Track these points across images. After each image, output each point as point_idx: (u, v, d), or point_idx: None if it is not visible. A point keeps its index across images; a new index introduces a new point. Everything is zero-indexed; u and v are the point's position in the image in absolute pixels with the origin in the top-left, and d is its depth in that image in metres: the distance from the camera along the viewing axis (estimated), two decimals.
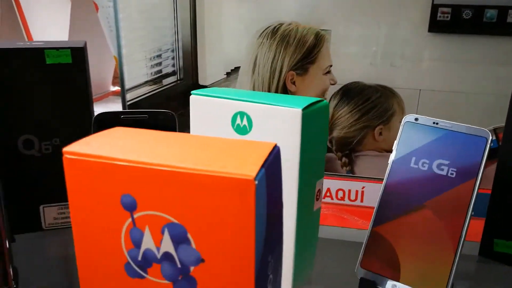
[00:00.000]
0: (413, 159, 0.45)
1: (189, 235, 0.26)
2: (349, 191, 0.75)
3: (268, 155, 0.26)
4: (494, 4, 0.66)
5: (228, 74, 0.77)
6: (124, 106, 0.80)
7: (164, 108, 0.74)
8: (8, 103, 0.49)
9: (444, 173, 0.43)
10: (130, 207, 0.26)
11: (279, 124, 0.38)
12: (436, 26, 0.68)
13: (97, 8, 0.84)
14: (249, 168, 0.24)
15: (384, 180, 0.46)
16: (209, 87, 0.78)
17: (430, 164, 0.44)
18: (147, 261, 0.27)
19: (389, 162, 0.46)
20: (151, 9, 0.77)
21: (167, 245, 0.26)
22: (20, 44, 0.49)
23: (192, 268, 0.26)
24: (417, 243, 0.43)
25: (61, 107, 0.50)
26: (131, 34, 0.76)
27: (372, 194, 0.76)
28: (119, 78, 0.80)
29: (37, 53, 0.48)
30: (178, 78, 0.79)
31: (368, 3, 0.69)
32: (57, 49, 0.48)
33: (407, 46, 0.69)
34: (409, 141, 0.46)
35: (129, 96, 0.79)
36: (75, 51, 0.49)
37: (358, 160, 0.76)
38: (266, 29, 0.72)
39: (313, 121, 0.39)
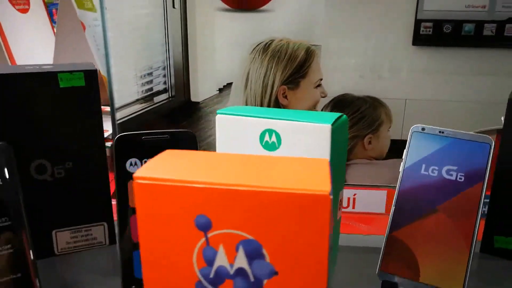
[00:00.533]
0: (423, 166, 0.48)
1: (264, 250, 0.27)
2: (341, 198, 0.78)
3: (330, 171, 0.28)
4: (471, 18, 0.71)
5: (220, 90, 0.79)
6: (114, 125, 0.80)
7: (156, 126, 0.75)
8: (21, 128, 0.48)
9: (453, 178, 0.47)
10: (205, 227, 0.27)
11: (309, 140, 0.40)
12: (419, 39, 0.72)
13: (84, 28, 0.84)
14: (322, 184, 0.26)
15: (397, 187, 0.48)
16: (201, 103, 0.79)
17: (439, 170, 0.47)
18: (219, 277, 0.28)
19: (400, 170, 0.49)
20: (141, 27, 0.77)
21: (241, 261, 0.27)
22: (30, 68, 0.48)
23: (265, 282, 0.28)
24: (433, 244, 0.46)
25: (74, 130, 0.50)
26: (120, 52, 0.76)
27: (363, 200, 0.79)
28: (108, 97, 0.79)
29: (51, 77, 0.48)
30: (170, 95, 0.80)
31: (356, 19, 0.72)
32: (71, 72, 0.48)
33: (394, 59, 0.73)
34: (417, 150, 0.49)
35: (119, 115, 0.79)
36: (88, 74, 0.49)
37: (349, 169, 0.79)
38: (258, 45, 0.74)
39: (338, 136, 0.41)
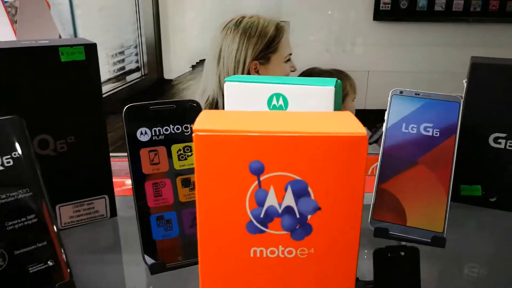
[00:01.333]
0: (403, 125, 0.54)
1: (309, 189, 0.31)
2: None
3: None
4: None
5: (193, 67, 0.81)
6: None
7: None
8: (23, 103, 0.48)
9: (430, 134, 0.53)
10: (258, 171, 0.31)
11: (314, 101, 0.44)
12: (379, 15, 0.78)
13: (49, 6, 0.82)
14: (358, 127, 0.30)
15: (381, 145, 0.54)
16: (174, 81, 0.81)
17: (418, 127, 0.53)
18: (268, 217, 0.32)
19: (383, 129, 0.54)
20: (111, 6, 0.77)
21: (289, 200, 0.31)
22: (28, 43, 0.49)
23: (309, 217, 0.32)
24: (416, 192, 0.52)
25: (75, 104, 0.51)
26: (89, 31, 0.76)
27: None
28: None
29: (52, 51, 0.48)
30: (143, 74, 0.81)
31: None
32: (71, 46, 0.49)
33: (356, 34, 0.78)
34: (397, 111, 0.54)
35: None
36: (88, 48, 0.50)
37: None
38: (229, 22, 0.77)
39: (338, 97, 0.45)
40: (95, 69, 0.51)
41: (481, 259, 0.52)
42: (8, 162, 0.41)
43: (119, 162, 0.77)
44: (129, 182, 0.68)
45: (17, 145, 0.42)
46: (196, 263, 0.47)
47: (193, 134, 0.30)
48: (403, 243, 0.51)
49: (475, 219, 0.60)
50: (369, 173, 0.71)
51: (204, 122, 0.32)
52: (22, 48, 0.47)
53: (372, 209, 0.53)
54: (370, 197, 0.53)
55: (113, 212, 0.57)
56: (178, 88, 0.82)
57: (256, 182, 0.31)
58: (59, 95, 0.50)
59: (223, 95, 0.80)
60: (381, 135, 0.56)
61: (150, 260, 0.46)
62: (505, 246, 0.55)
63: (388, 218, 0.52)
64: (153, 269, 0.46)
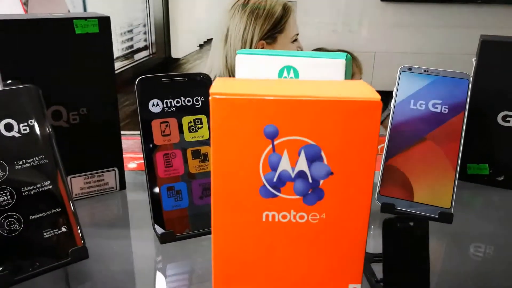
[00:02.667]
0: (412, 101, 0.54)
1: (322, 153, 0.31)
2: None
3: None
4: None
5: (200, 46, 0.81)
6: None
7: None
8: (37, 74, 0.49)
9: (438, 110, 0.53)
10: (272, 135, 0.31)
11: (324, 74, 0.44)
12: None
13: None
14: (372, 93, 0.31)
15: (389, 121, 0.54)
16: (182, 59, 0.81)
17: (426, 104, 0.54)
18: (281, 181, 0.32)
19: (391, 106, 0.55)
20: None
21: (302, 164, 0.32)
22: (46, 15, 0.49)
23: (321, 181, 0.32)
24: (424, 168, 0.52)
25: (88, 77, 0.51)
26: (98, 10, 0.75)
27: None
28: None
29: (67, 24, 0.48)
30: (151, 53, 0.81)
31: None
32: (86, 19, 0.49)
33: (364, 14, 0.78)
34: (406, 87, 0.55)
35: None
36: (102, 20, 0.50)
37: None
38: (237, 2, 0.77)
39: (348, 71, 0.46)
40: (108, 42, 0.51)
41: (487, 238, 0.52)
42: (25, 130, 0.42)
43: (125, 140, 0.78)
44: (137, 157, 0.69)
45: (33, 114, 0.43)
46: (205, 233, 0.48)
47: (210, 97, 0.31)
48: None
49: (482, 197, 0.60)
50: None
51: (221, 86, 0.32)
52: (38, 20, 0.47)
53: (379, 185, 0.53)
54: (377, 175, 0.54)
55: (123, 185, 0.58)
56: (185, 67, 0.82)
57: (270, 146, 0.31)
58: (73, 67, 0.50)
59: (229, 74, 0.80)
60: (387, 116, 0.56)
61: (160, 230, 0.47)
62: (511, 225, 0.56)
63: (395, 193, 0.53)
64: (163, 239, 0.47)
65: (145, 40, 0.81)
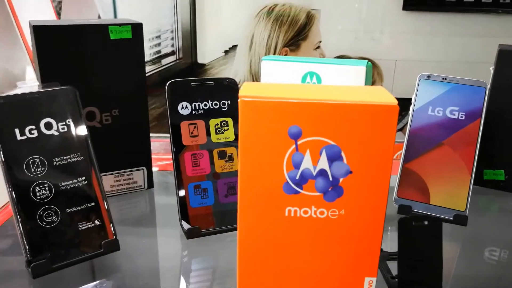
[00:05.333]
0: (430, 107, 0.56)
1: (342, 153, 0.34)
2: None
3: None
4: None
5: (226, 52, 0.84)
6: None
7: (165, 86, 0.80)
8: (74, 77, 0.52)
9: (455, 117, 0.55)
10: (296, 135, 0.33)
11: (346, 80, 0.47)
12: (409, 4, 0.80)
13: None
14: (390, 98, 0.33)
15: (408, 127, 0.56)
16: (208, 65, 0.84)
17: (444, 110, 0.55)
18: (303, 178, 0.35)
19: (410, 112, 0.57)
20: None
21: (323, 163, 0.34)
22: (82, 21, 0.52)
23: (341, 180, 0.34)
24: (440, 172, 0.54)
25: (121, 79, 0.55)
26: (128, 16, 0.79)
27: None
28: None
29: (102, 29, 0.52)
30: (178, 58, 0.84)
31: None
32: (120, 25, 0.52)
33: (385, 23, 0.80)
34: (424, 94, 0.56)
35: None
36: (135, 27, 0.53)
37: None
38: (262, 9, 0.80)
39: (368, 77, 0.48)
40: (140, 47, 0.54)
41: (502, 242, 0.54)
42: (63, 128, 0.45)
43: (152, 143, 0.81)
44: (162, 158, 0.72)
45: (71, 114, 0.46)
46: (229, 230, 0.51)
47: (239, 100, 0.33)
48: None
49: (497, 203, 0.61)
50: (394, 157, 0.73)
51: (249, 90, 0.35)
52: (75, 26, 0.51)
53: (397, 187, 0.55)
54: (394, 179, 0.56)
55: (150, 183, 0.61)
56: (210, 72, 0.85)
57: (294, 146, 0.34)
58: (107, 70, 0.53)
59: (253, 79, 0.83)
60: (406, 123, 0.58)
61: (186, 226, 0.50)
62: None
63: (412, 196, 0.54)
64: (189, 234, 0.50)
65: (172, 45, 0.84)
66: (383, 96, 0.34)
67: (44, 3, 0.90)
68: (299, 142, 0.34)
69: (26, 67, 1.02)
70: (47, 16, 0.90)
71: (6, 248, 0.50)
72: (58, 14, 0.95)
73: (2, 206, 0.58)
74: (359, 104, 0.33)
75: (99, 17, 0.86)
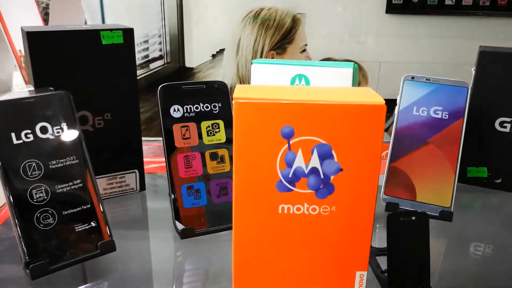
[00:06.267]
0: (415, 108, 0.58)
1: (333, 152, 0.35)
2: None
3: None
4: None
5: (213, 56, 0.85)
6: None
7: (153, 90, 0.81)
8: (67, 81, 0.53)
9: (439, 116, 0.57)
10: (288, 135, 0.35)
11: (333, 82, 0.48)
12: (391, 8, 0.82)
13: None
14: (377, 98, 0.35)
15: (393, 126, 0.58)
16: (195, 69, 0.85)
17: (428, 110, 0.57)
18: (296, 177, 0.36)
19: (395, 112, 0.58)
20: None
21: (314, 162, 0.35)
22: (72, 27, 0.53)
23: (332, 177, 0.36)
24: (426, 170, 0.56)
25: (113, 84, 0.55)
26: (116, 21, 0.80)
27: None
28: None
29: (94, 35, 0.53)
30: (166, 62, 0.85)
31: None
32: (111, 30, 0.53)
33: (369, 26, 0.82)
34: (409, 95, 0.58)
35: None
36: (126, 32, 0.54)
37: None
38: (248, 13, 0.81)
39: (355, 79, 0.50)
40: (132, 51, 0.55)
41: (486, 237, 0.56)
42: (58, 132, 0.46)
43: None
44: (152, 161, 0.72)
45: (65, 118, 0.47)
46: (222, 230, 0.52)
47: (233, 101, 0.34)
48: None
49: (481, 199, 0.64)
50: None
51: (242, 92, 0.36)
52: (68, 31, 0.51)
53: (384, 186, 0.57)
54: (381, 177, 0.57)
55: (142, 186, 0.61)
56: (198, 76, 0.86)
57: (286, 145, 0.35)
58: (99, 75, 0.54)
59: (240, 82, 0.84)
60: (391, 124, 0.60)
61: (180, 226, 0.51)
62: (510, 224, 0.59)
63: (399, 194, 0.56)
64: (183, 234, 0.51)
65: (160, 50, 0.85)
66: (371, 96, 0.35)
67: (30, 8, 0.91)
68: (291, 142, 0.35)
69: (13, 72, 1.01)
70: (34, 21, 0.90)
71: (3, 250, 0.50)
72: (45, 20, 0.96)
73: None
74: (348, 104, 0.34)
75: (85, 22, 0.86)
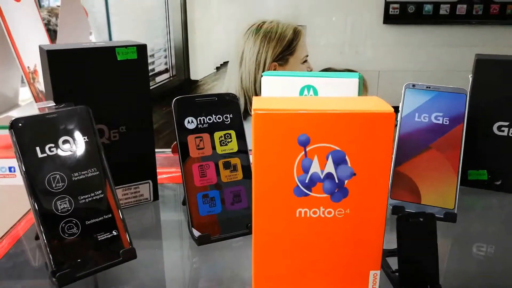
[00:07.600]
0: (416, 114, 0.60)
1: (346, 157, 0.37)
2: None
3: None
4: (430, 0, 0.85)
5: (217, 68, 0.87)
6: None
7: (160, 103, 0.84)
8: (84, 96, 0.55)
9: (440, 122, 0.59)
10: (305, 143, 0.37)
11: (341, 91, 0.51)
12: (389, 18, 0.85)
13: (87, 14, 0.89)
14: (386, 107, 0.37)
15: (396, 133, 0.61)
16: (200, 81, 0.88)
17: (429, 116, 0.60)
18: (312, 182, 0.38)
19: (398, 119, 0.61)
20: (143, 12, 0.84)
21: (329, 167, 0.38)
22: (88, 44, 0.55)
23: (346, 181, 0.38)
24: (429, 173, 0.58)
25: (127, 98, 0.58)
26: (123, 36, 0.82)
27: None
28: None
29: (110, 51, 0.55)
30: (171, 75, 0.88)
31: (335, 2, 0.84)
32: (126, 47, 0.56)
33: (368, 36, 0.85)
34: (411, 102, 0.61)
35: None
36: (140, 48, 0.57)
37: None
38: (251, 27, 0.84)
39: (360, 88, 0.52)
40: (145, 66, 0.58)
41: (488, 237, 0.58)
42: (79, 145, 0.48)
43: None
44: (164, 171, 0.74)
45: (86, 131, 0.49)
46: (236, 236, 0.54)
47: (252, 113, 0.37)
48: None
49: (482, 201, 0.66)
50: None
51: (260, 103, 0.38)
52: (85, 49, 0.54)
53: (390, 190, 0.59)
54: None
55: (156, 196, 0.63)
56: (203, 88, 0.89)
57: (303, 152, 0.38)
58: (114, 89, 0.56)
59: (244, 94, 0.87)
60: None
61: (197, 233, 0.53)
62: (510, 224, 0.61)
63: (404, 197, 0.58)
64: (200, 241, 0.53)
65: (166, 63, 0.87)
66: (380, 105, 0.38)
67: (36, 26, 0.93)
68: (307, 149, 0.37)
69: (19, 88, 1.04)
70: (40, 39, 0.92)
71: (25, 260, 0.52)
72: (50, 37, 0.98)
73: (15, 223, 0.60)
74: (360, 113, 0.36)
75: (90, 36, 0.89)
